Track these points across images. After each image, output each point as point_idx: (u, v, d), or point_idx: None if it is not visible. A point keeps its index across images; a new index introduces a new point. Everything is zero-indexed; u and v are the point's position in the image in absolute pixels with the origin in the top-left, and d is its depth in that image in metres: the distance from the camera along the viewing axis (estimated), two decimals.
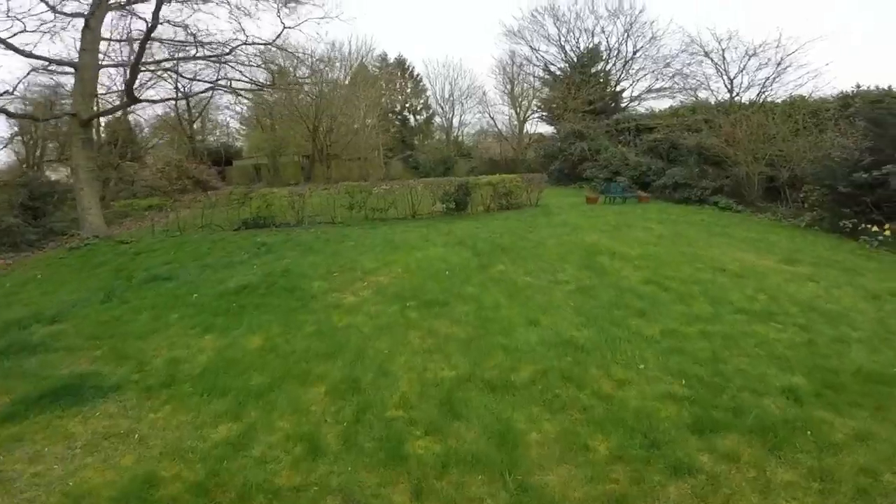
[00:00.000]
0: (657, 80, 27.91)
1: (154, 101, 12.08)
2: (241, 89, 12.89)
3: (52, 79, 14.03)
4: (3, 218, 11.63)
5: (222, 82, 12.76)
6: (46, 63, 9.98)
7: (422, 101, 37.15)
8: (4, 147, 18.41)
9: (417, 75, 36.76)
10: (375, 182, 11.50)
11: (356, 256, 8.14)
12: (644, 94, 28.77)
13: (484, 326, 5.11)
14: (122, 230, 13.15)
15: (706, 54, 20.58)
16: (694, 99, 23.97)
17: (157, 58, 11.97)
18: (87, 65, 10.39)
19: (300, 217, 12.18)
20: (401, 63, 36.36)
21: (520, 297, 5.97)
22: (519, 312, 5.51)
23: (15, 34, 8.42)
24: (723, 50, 18.99)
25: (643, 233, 10.59)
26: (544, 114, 31.08)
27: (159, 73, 12.01)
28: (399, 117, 36.04)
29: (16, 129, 17.31)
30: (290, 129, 28.05)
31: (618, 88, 29.57)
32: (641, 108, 27.24)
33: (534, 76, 30.25)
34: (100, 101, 17.78)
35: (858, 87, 14.39)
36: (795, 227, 11.87)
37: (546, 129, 32.66)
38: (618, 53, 28.59)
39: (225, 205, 12.46)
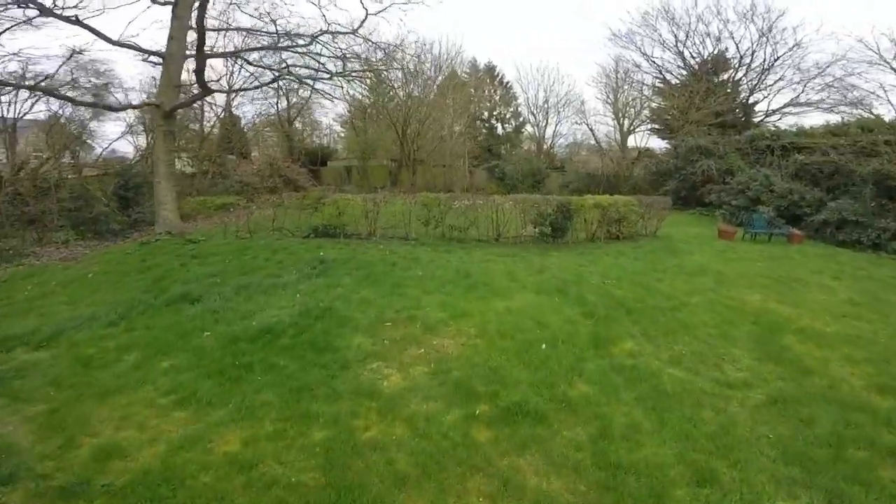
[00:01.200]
0: (803, 91, 22.67)
1: (226, 91, 11.21)
2: (307, 77, 11.67)
3: (95, 65, 13.82)
4: (94, 206, 11.57)
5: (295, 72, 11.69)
6: (143, 54, 9.56)
7: (511, 108, 34.87)
8: (120, 137, 19.63)
9: (507, 82, 34.58)
10: (456, 196, 9.48)
11: (420, 296, 6.15)
12: (786, 107, 23.59)
13: (613, 484, 2.75)
14: (202, 224, 12.69)
15: (885, 61, 15.64)
16: (862, 114, 18.82)
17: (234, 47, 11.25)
18: (173, 54, 9.83)
19: (372, 228, 10.60)
20: (490, 69, 34.45)
21: (672, 416, 3.48)
22: (676, 452, 3.05)
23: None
24: None
25: (823, 293, 7.35)
26: (655, 126, 27.09)
27: (235, 61, 11.31)
28: (486, 125, 34.12)
29: (131, 119, 18.23)
30: (381, 133, 27.50)
31: (750, 100, 24.67)
32: (783, 125, 22.26)
33: (644, 84, 26.42)
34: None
35: None
36: None
37: (657, 143, 28.60)
38: (750, 61, 23.81)
39: (298, 208, 11.32)
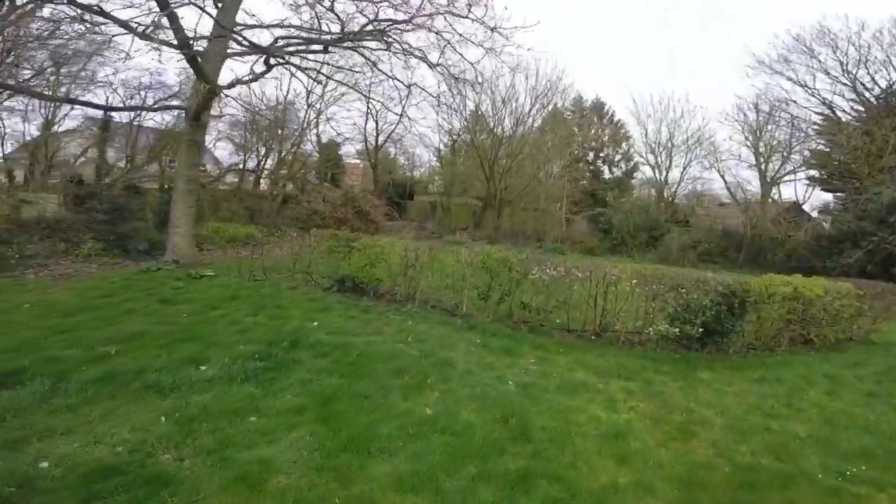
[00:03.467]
0: None
1: (244, 82, 8.87)
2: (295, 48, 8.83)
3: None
4: (128, 220, 10.12)
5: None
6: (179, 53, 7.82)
7: (622, 150, 29.99)
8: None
9: (618, 120, 29.96)
10: (540, 258, 5.60)
11: (434, 460, 2.57)
12: None
13: None
14: (227, 254, 10.57)
15: None
16: None
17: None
18: (207, 54, 7.95)
19: (412, 289, 7.27)
20: (598, 106, 30.21)
21: None
22: None
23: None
24: None
25: None
26: (816, 174, 20.33)
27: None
28: (591, 167, 29.64)
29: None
30: (470, 168, 24.74)
31: None
32: None
33: (804, 120, 20.05)
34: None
35: None
36: None
37: (816, 197, 21.57)
38: None
39: (326, 252, 8.53)
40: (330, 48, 9.07)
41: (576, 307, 6.14)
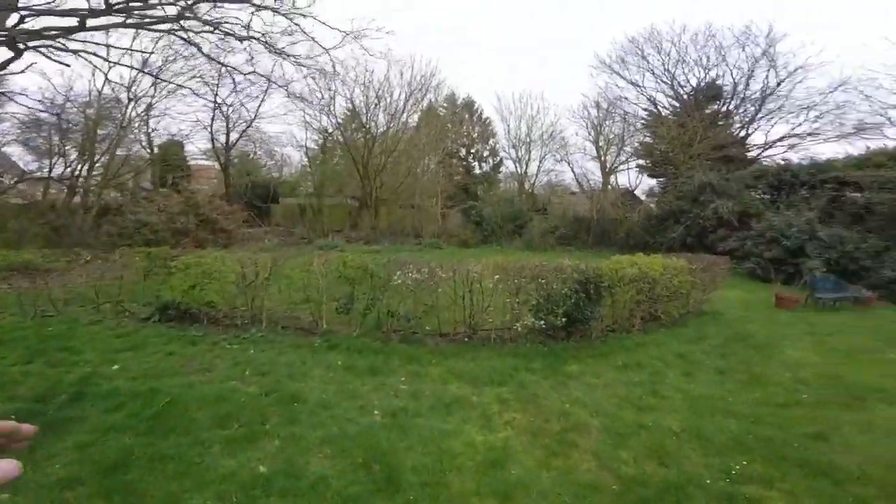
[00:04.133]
0: (805, 121, 19.87)
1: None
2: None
3: None
4: None
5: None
6: None
7: (489, 146, 31.58)
8: None
9: (486, 118, 31.49)
10: (404, 261, 4.89)
11: None
12: (787, 138, 20.61)
13: None
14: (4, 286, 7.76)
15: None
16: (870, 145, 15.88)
17: None
18: None
19: (254, 310, 6.02)
20: (469, 104, 31.36)
21: None
22: None
23: None
24: None
25: None
26: (642, 162, 23.87)
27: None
28: (463, 163, 30.60)
29: None
30: (343, 165, 23.16)
31: (746, 133, 21.83)
32: (793, 158, 19.16)
33: (633, 115, 23.37)
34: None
35: None
36: None
37: (648, 182, 25.40)
38: (745, 88, 21.04)
39: (141, 274, 6.68)
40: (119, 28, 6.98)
41: (445, 308, 5.69)
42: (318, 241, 17.89)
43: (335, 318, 5.87)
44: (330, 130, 22.11)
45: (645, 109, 23.68)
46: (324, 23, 8.47)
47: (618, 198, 21.34)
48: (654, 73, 22.74)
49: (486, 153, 31.40)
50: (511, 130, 25.94)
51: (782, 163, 17.56)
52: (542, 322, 5.01)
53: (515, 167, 26.30)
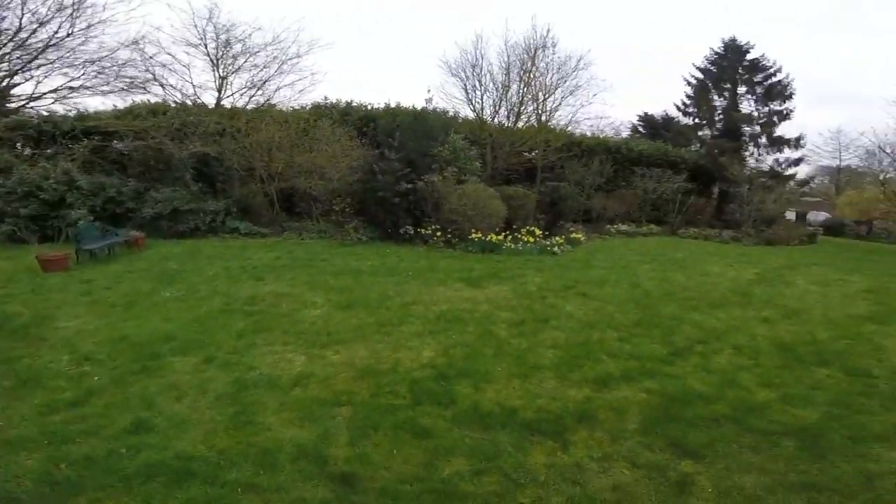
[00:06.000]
0: (83, 75, 18.19)
1: None
2: None
3: None
4: None
5: None
6: None
7: None
8: None
9: None
10: None
11: None
12: (57, 90, 18.06)
13: None
14: None
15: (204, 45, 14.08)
16: (149, 99, 17.09)
17: None
18: None
19: None
20: None
21: None
22: None
23: None
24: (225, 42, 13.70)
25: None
26: None
27: None
28: None
29: None
30: None
31: (15, 80, 17.02)
32: (61, 109, 16.92)
33: None
34: None
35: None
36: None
37: None
38: (31, 35, 15.94)
39: None
40: None
41: None
42: None
43: None
44: None
45: None
46: None
47: None
48: None
49: None
50: None
51: (46, 114, 15.27)
52: None
53: None
